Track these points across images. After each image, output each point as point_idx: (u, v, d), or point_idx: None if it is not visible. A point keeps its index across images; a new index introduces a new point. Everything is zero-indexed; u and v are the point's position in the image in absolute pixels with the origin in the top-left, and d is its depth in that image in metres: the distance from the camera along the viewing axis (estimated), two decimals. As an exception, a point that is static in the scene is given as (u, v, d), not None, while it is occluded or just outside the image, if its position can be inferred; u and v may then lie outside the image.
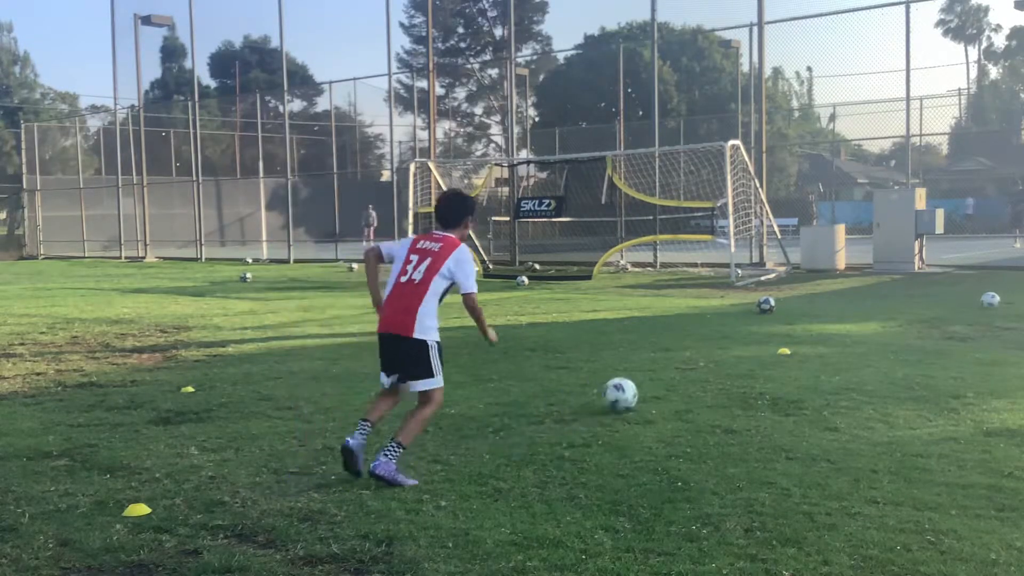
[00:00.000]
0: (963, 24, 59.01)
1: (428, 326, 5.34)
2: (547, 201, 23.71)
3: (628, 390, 6.89)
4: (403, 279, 5.38)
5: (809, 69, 45.14)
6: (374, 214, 43.61)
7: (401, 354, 5.35)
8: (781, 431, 6.27)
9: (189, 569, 4.08)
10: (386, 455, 5.22)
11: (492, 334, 5.70)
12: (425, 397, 5.39)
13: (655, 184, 23.09)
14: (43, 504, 5.00)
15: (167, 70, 63.07)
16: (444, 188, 26.50)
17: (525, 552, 4.19)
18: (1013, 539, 4.25)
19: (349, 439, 5.32)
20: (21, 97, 54.71)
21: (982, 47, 59.15)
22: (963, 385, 7.67)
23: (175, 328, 12.85)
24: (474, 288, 5.47)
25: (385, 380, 5.46)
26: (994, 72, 56.76)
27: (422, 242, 5.49)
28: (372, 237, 44.56)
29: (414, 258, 5.41)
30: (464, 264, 5.42)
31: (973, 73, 58.07)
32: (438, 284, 5.37)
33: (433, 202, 25.18)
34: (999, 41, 57.14)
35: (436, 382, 5.38)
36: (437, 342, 5.40)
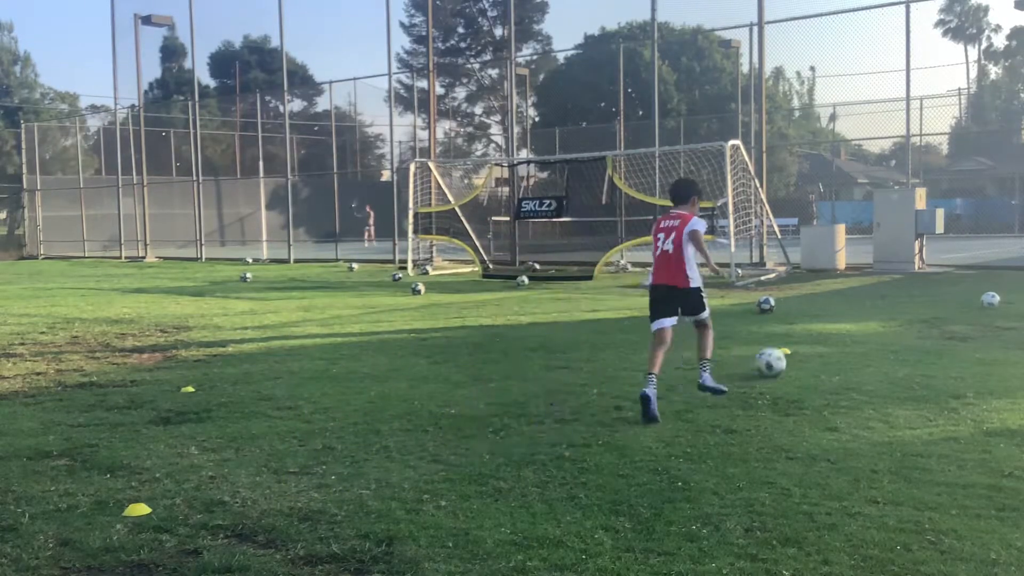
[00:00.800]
0: (963, 24, 59.00)
1: (693, 277, 7.13)
2: (548, 201, 23.71)
3: (775, 353, 8.37)
4: (657, 252, 7.25)
5: (812, 69, 45.18)
6: (372, 213, 43.84)
7: (681, 300, 7.17)
8: (781, 431, 6.27)
9: (189, 569, 4.09)
10: (704, 370, 7.32)
11: (715, 266, 7.69)
12: (704, 323, 7.32)
13: (655, 184, 23.08)
14: (43, 504, 5.00)
15: (167, 70, 63.06)
16: (444, 188, 26.54)
17: (525, 552, 4.19)
18: (1013, 539, 4.25)
19: (646, 389, 6.74)
20: (21, 97, 54.69)
21: (982, 47, 59.17)
22: (963, 385, 7.67)
23: (175, 328, 12.85)
24: (703, 228, 7.24)
25: (667, 322, 7.12)
26: (994, 72, 56.78)
27: (664, 222, 7.29)
28: (372, 236, 44.69)
29: (661, 236, 7.21)
30: (696, 223, 7.20)
31: (973, 73, 58.10)
32: (687, 249, 7.11)
33: (433, 201, 25.20)
34: (999, 41, 57.19)
35: (708, 311, 7.33)
36: (701, 286, 7.24)
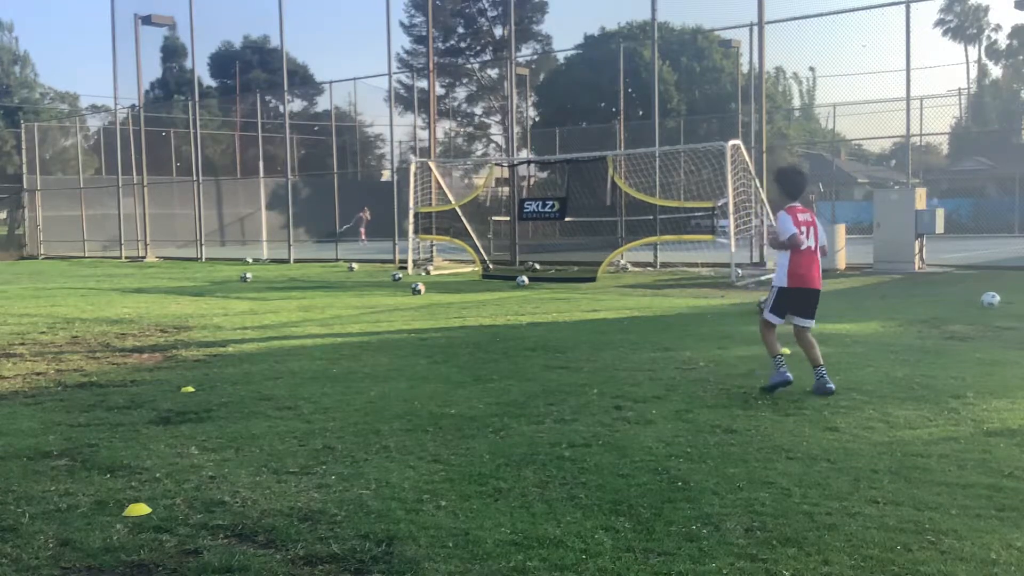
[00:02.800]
0: (963, 24, 58.99)
1: None
2: (550, 202, 23.72)
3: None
4: (804, 248, 7.21)
5: (812, 69, 45.17)
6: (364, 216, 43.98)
7: (815, 302, 7.45)
8: (781, 431, 6.27)
9: (189, 569, 4.09)
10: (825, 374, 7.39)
11: None
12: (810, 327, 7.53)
13: (655, 184, 23.08)
14: (43, 504, 5.00)
15: (167, 70, 63.13)
16: (444, 188, 26.55)
17: (525, 552, 4.19)
18: (1013, 539, 4.25)
19: (787, 373, 7.32)
20: (21, 97, 54.75)
21: (982, 47, 59.15)
22: (963, 385, 7.67)
23: (175, 328, 12.85)
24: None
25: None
26: (995, 72, 56.79)
27: (800, 215, 7.29)
28: (364, 236, 44.79)
29: (804, 230, 7.22)
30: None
31: (973, 73, 58.09)
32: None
33: (434, 201, 25.10)
34: (999, 41, 57.17)
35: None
36: None
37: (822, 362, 7.41)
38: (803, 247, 7.23)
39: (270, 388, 8.20)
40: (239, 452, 6.02)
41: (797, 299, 7.39)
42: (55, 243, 42.55)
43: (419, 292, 17.74)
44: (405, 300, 16.71)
